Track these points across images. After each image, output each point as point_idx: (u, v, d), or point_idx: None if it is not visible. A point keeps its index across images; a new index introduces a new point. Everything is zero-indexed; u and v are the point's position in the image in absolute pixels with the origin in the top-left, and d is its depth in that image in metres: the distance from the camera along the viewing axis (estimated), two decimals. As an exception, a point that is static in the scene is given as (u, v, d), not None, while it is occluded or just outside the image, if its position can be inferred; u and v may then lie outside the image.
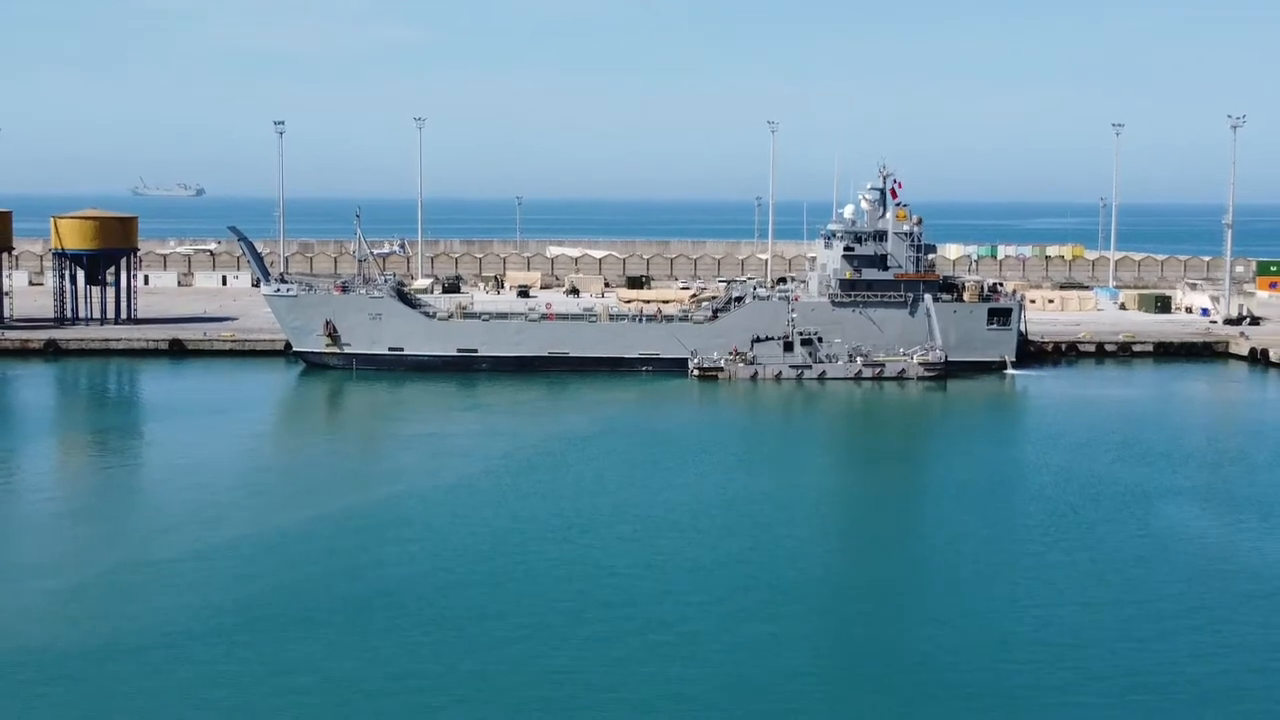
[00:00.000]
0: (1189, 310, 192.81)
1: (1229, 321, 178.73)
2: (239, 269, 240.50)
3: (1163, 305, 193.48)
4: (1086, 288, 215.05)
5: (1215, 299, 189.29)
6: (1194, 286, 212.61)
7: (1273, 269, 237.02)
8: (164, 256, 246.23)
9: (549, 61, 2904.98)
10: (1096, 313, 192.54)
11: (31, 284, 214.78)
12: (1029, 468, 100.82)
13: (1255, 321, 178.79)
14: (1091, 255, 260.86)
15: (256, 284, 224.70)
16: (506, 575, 71.44)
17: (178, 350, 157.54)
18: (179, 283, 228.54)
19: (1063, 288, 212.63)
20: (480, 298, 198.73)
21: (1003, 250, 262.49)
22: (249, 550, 75.48)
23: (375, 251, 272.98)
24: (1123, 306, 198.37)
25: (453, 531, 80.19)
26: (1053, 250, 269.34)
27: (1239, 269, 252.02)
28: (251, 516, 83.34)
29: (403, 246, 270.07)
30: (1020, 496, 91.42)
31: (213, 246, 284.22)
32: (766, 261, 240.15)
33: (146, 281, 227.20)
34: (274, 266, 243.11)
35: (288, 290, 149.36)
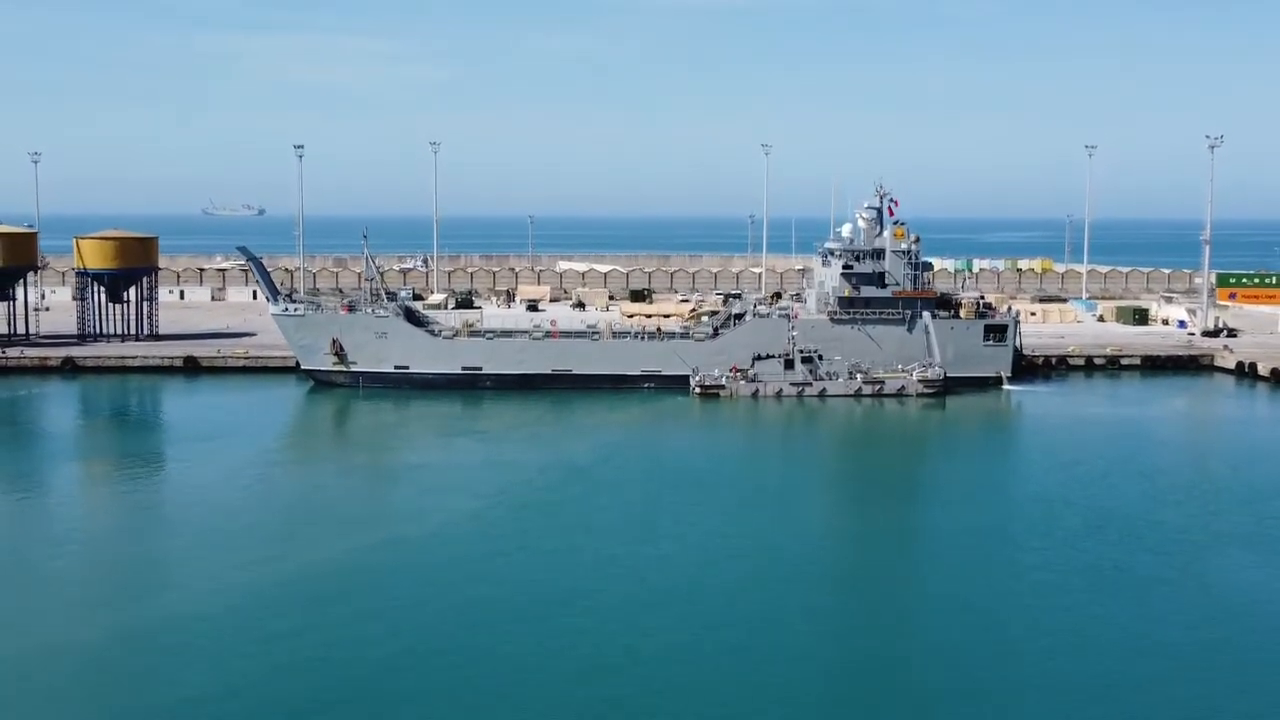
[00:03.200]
0: (1165, 322, 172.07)
1: (1207, 334, 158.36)
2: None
3: (1140, 317, 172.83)
4: (1064, 300, 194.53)
5: (1192, 311, 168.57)
6: (1170, 299, 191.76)
7: (1231, 280, 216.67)
8: (200, 271, 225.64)
9: (559, 94, 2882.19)
10: (1076, 325, 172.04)
11: (75, 299, 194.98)
12: (1054, 505, 79.82)
13: (1232, 333, 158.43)
14: (1060, 268, 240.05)
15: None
16: (469, 670, 51.20)
17: (192, 367, 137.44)
18: (213, 297, 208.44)
19: (1043, 301, 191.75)
20: (491, 311, 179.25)
21: (978, 264, 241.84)
22: (181, 634, 55.11)
23: (399, 266, 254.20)
24: (1101, 319, 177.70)
25: (422, 602, 59.83)
26: (1023, 264, 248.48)
27: (1197, 280, 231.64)
28: (202, 579, 62.98)
29: (424, 261, 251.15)
30: (1054, 545, 70.69)
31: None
32: (760, 275, 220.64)
33: (182, 296, 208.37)
34: (305, 281, 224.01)
35: (295, 309, 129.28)
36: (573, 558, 67.23)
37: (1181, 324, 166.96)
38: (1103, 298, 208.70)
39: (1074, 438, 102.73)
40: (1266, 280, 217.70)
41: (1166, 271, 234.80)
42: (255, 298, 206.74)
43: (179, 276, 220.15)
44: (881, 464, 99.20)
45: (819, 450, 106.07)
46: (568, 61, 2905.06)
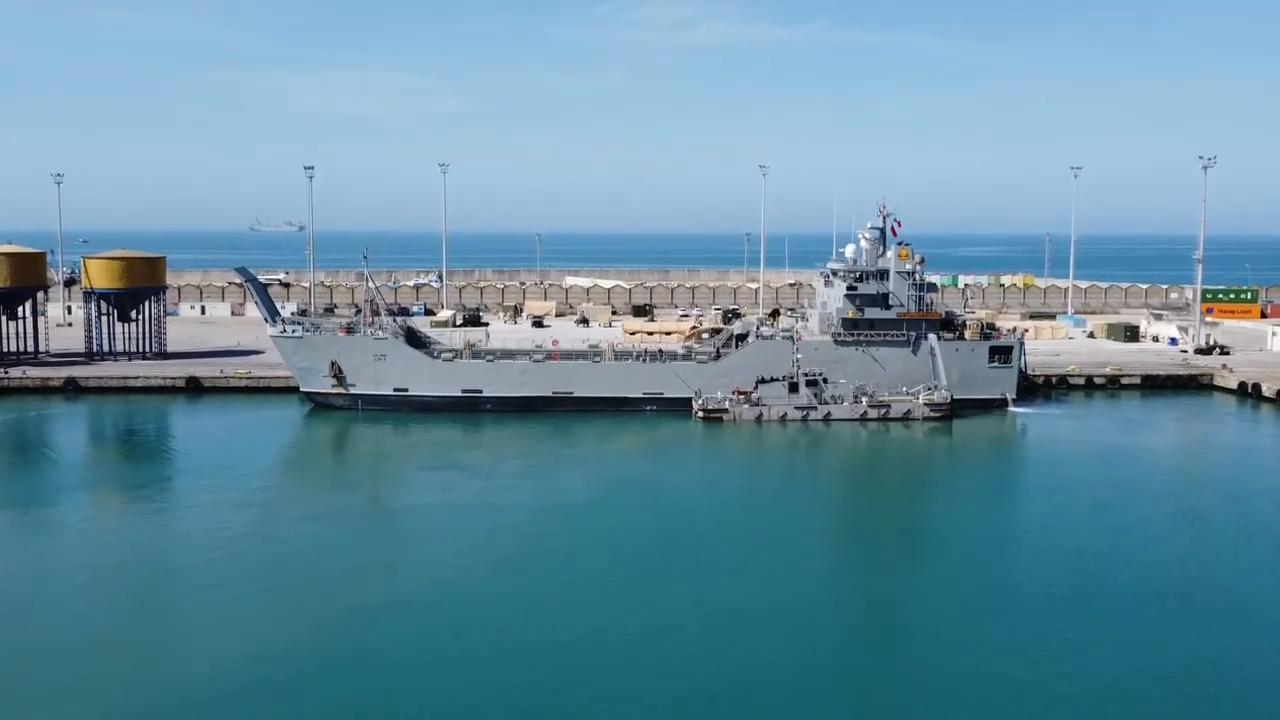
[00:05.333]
0: (1156, 339, 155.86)
1: (1200, 351, 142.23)
2: (289, 298, 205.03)
3: (1131, 335, 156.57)
4: (1053, 316, 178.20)
5: (1183, 329, 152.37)
6: (1160, 317, 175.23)
7: (1208, 295, 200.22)
8: (222, 288, 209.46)
9: (569, 122, 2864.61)
10: (1068, 341, 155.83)
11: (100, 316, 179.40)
12: (1096, 562, 63.47)
13: (1224, 351, 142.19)
14: (1041, 283, 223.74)
15: (303, 313, 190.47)
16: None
17: (194, 388, 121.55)
18: (233, 312, 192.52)
19: (1034, 317, 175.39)
20: (498, 327, 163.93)
21: (962, 279, 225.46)
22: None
23: (413, 282, 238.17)
24: (1091, 335, 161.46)
25: (386, 694, 43.99)
26: (1006, 279, 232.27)
27: (1173, 295, 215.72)
28: (125, 671, 47.22)
29: (440, 278, 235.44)
30: (1109, 620, 54.58)
31: (281, 276, 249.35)
32: (757, 290, 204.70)
33: (203, 311, 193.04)
34: (323, 297, 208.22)
35: (293, 331, 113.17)
36: (557, 636, 51.33)
37: (1173, 341, 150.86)
38: (1085, 312, 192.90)
39: (1097, 472, 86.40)
40: (1242, 295, 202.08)
41: (1144, 287, 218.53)
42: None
43: (202, 292, 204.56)
44: (896, 508, 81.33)
45: (827, 491, 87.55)
46: (578, 94, 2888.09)
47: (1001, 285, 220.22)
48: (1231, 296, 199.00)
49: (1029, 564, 64.14)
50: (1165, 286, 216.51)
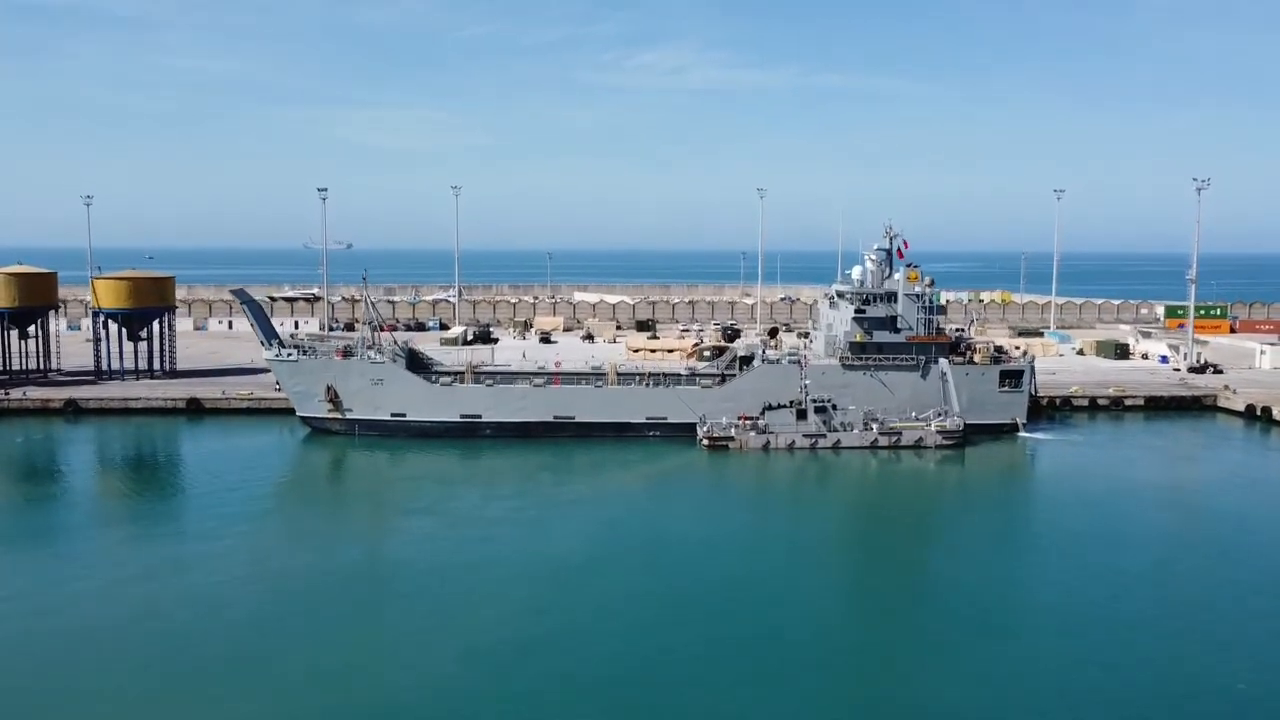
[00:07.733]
0: (1145, 357, 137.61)
1: (1194, 369, 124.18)
2: (313, 314, 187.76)
3: (1121, 352, 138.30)
4: (1039, 333, 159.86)
5: (1174, 347, 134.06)
6: (1148, 334, 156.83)
7: (1179, 311, 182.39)
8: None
9: (583, 153, 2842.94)
10: (1060, 359, 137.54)
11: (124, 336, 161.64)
12: (1194, 649, 45.71)
13: (1218, 370, 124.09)
14: (1019, 299, 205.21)
15: (324, 328, 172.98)
16: None
17: (195, 409, 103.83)
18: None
19: (1023, 335, 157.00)
20: (506, 343, 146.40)
21: (944, 295, 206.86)
22: None
23: (433, 297, 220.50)
24: (1080, 352, 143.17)
25: None
26: (985, 295, 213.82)
27: (1143, 310, 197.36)
28: None
29: (456, 293, 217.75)
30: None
31: (315, 289, 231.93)
32: (754, 306, 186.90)
33: (230, 326, 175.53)
34: (343, 313, 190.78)
35: (288, 355, 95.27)
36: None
37: (1164, 359, 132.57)
38: (1062, 328, 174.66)
39: (1146, 518, 68.15)
40: (1213, 311, 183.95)
41: (1116, 302, 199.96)
42: (296, 328, 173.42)
43: (231, 307, 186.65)
44: (927, 569, 61.39)
45: (846, 545, 67.58)
46: (589, 128, 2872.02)
47: (981, 301, 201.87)
48: (1203, 313, 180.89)
49: (1104, 651, 46.05)
50: (1136, 302, 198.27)
